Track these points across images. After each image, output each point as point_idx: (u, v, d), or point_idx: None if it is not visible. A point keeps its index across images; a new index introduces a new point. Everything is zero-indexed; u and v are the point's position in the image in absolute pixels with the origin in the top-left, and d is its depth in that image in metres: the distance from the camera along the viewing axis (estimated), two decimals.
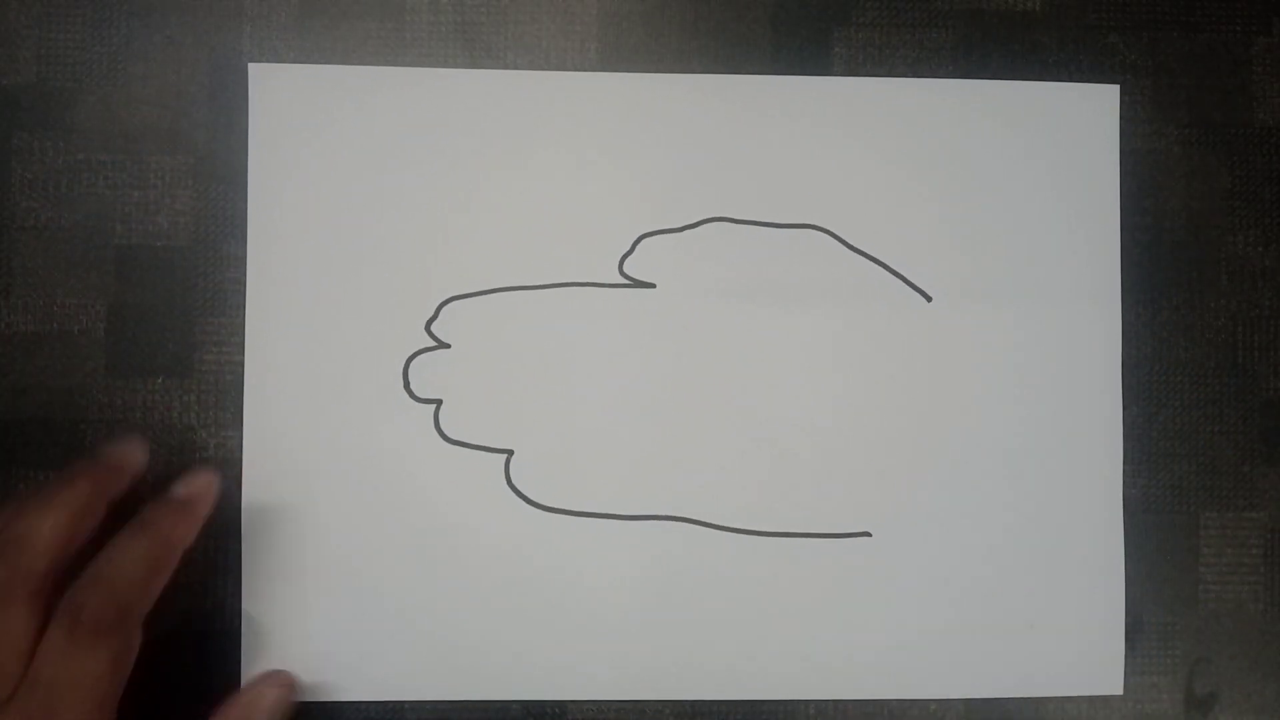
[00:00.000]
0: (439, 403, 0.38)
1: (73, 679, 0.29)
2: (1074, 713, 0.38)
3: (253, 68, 0.38)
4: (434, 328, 0.38)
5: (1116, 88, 0.39)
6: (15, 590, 0.30)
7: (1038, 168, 0.39)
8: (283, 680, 0.36)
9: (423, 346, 0.38)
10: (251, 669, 0.37)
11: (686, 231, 0.38)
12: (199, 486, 0.35)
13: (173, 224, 0.38)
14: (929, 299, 0.39)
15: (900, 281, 0.38)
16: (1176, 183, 0.39)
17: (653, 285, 0.38)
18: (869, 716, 0.38)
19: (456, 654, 0.37)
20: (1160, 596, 0.39)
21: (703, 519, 0.38)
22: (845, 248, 0.39)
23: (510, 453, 0.38)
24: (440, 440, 0.38)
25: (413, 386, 0.38)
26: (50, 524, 0.31)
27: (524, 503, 0.38)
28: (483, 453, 0.38)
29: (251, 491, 0.37)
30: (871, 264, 0.38)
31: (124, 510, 0.33)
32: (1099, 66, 0.39)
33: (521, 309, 0.38)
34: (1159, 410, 0.39)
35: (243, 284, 0.37)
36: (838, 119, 0.39)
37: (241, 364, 0.37)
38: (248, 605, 0.37)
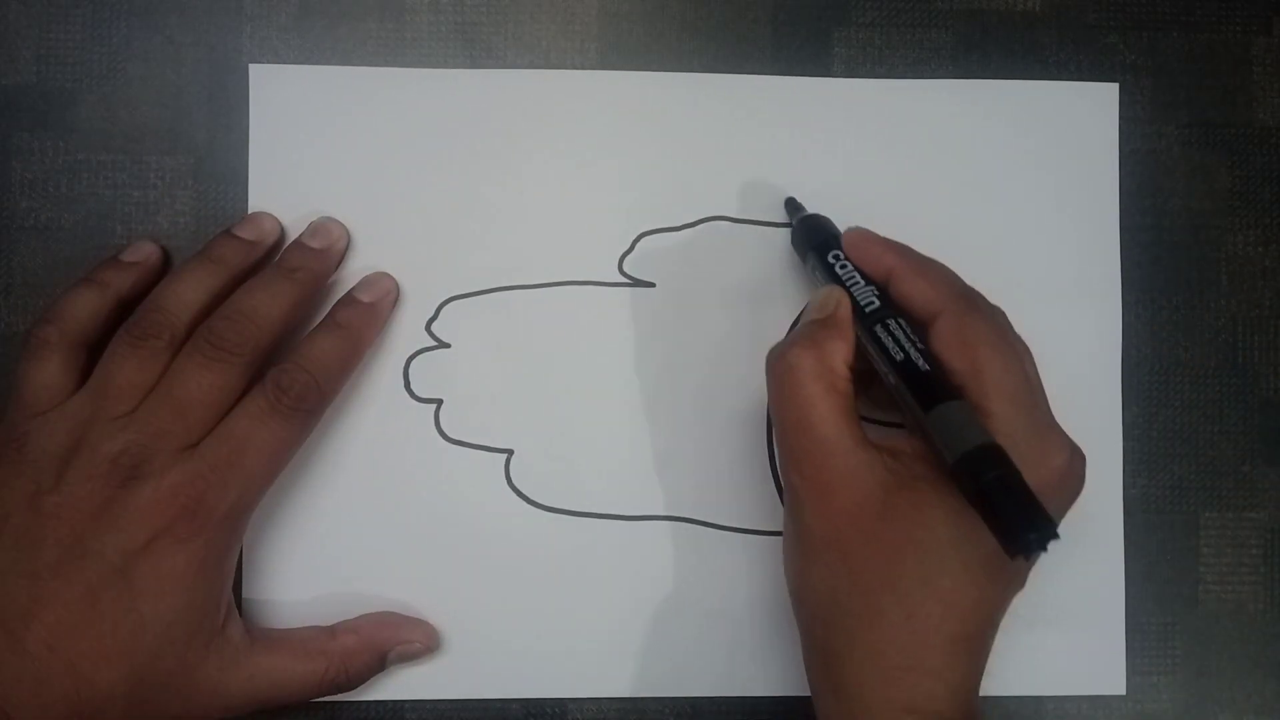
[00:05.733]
0: (439, 403, 0.38)
1: (262, 440, 0.33)
2: (1074, 712, 0.38)
3: (253, 68, 0.38)
4: (434, 328, 0.38)
5: (1116, 87, 0.39)
6: (237, 356, 0.33)
7: (1038, 168, 0.39)
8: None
9: (423, 346, 0.38)
10: None
11: (686, 231, 0.38)
12: (383, 289, 0.37)
13: (173, 224, 0.38)
14: None
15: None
16: (1176, 183, 0.39)
17: (652, 284, 0.38)
18: None
19: (456, 654, 0.37)
20: (1160, 596, 0.39)
21: (703, 519, 0.38)
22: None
23: (510, 453, 0.38)
24: (440, 440, 0.38)
25: (413, 386, 0.38)
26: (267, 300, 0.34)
27: (524, 503, 0.38)
28: (483, 453, 0.38)
29: None
30: None
31: None
32: (1099, 66, 0.39)
33: (521, 309, 0.38)
34: (1159, 410, 0.39)
35: None
36: (838, 119, 0.39)
37: None
38: (248, 604, 0.37)
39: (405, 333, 0.38)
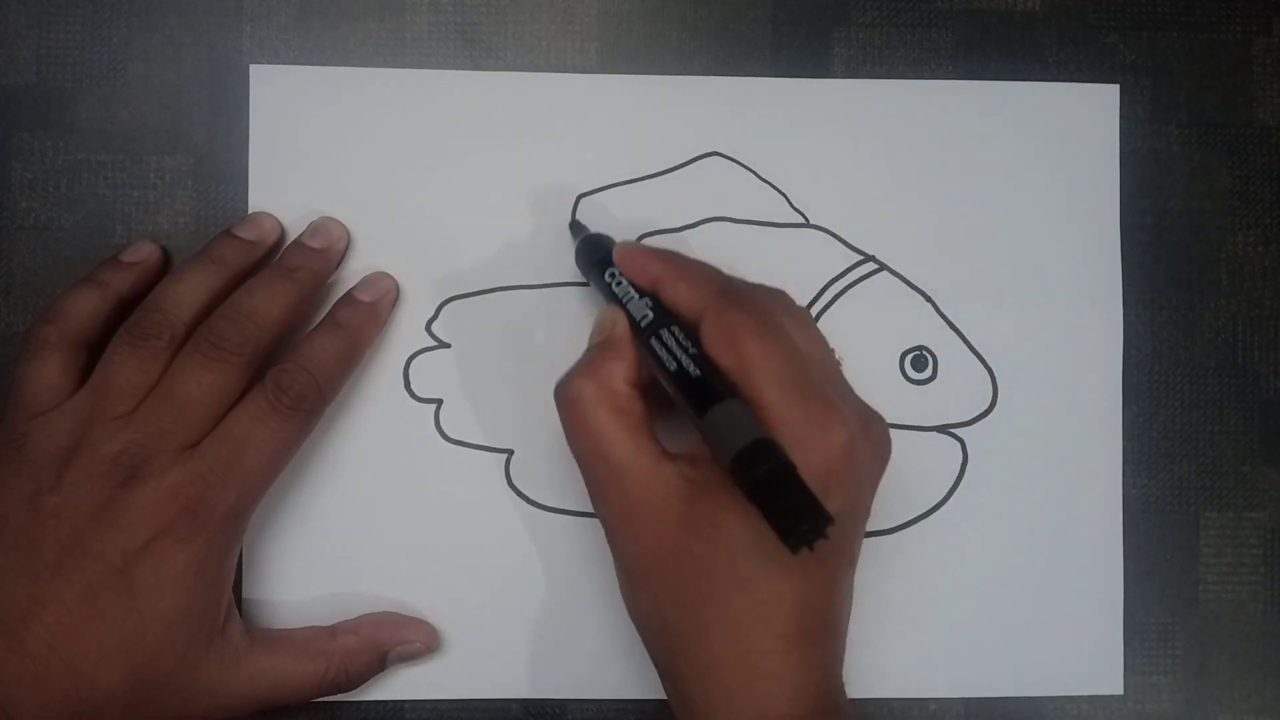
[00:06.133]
0: (439, 403, 0.38)
1: (262, 440, 0.33)
2: (1073, 712, 0.38)
3: (253, 69, 0.38)
4: (434, 328, 0.38)
5: (1116, 88, 0.39)
6: (237, 356, 0.33)
7: (1038, 168, 0.39)
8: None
9: (423, 346, 0.38)
10: None
11: (686, 231, 0.38)
12: (382, 289, 0.37)
13: (173, 224, 0.38)
14: (928, 299, 0.38)
15: (900, 281, 0.38)
16: (1176, 183, 0.39)
17: None
18: (869, 716, 0.38)
19: (456, 654, 0.37)
20: (1160, 596, 0.39)
21: None
22: (845, 247, 0.39)
23: (510, 453, 0.38)
24: (440, 440, 0.38)
25: (413, 386, 0.38)
26: (268, 301, 0.34)
27: (524, 503, 0.38)
28: (483, 453, 0.38)
29: None
30: (871, 264, 0.38)
31: None
32: (1099, 66, 0.39)
33: (521, 309, 0.38)
34: (1159, 410, 0.39)
35: None
36: (838, 120, 0.39)
37: None
38: (248, 604, 0.37)
39: (405, 333, 0.38)
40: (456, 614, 0.37)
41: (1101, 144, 0.39)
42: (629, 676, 0.38)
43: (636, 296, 0.33)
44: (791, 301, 0.34)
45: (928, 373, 0.38)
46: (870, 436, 0.31)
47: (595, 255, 0.35)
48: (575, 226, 0.37)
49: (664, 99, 0.38)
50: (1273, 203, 0.40)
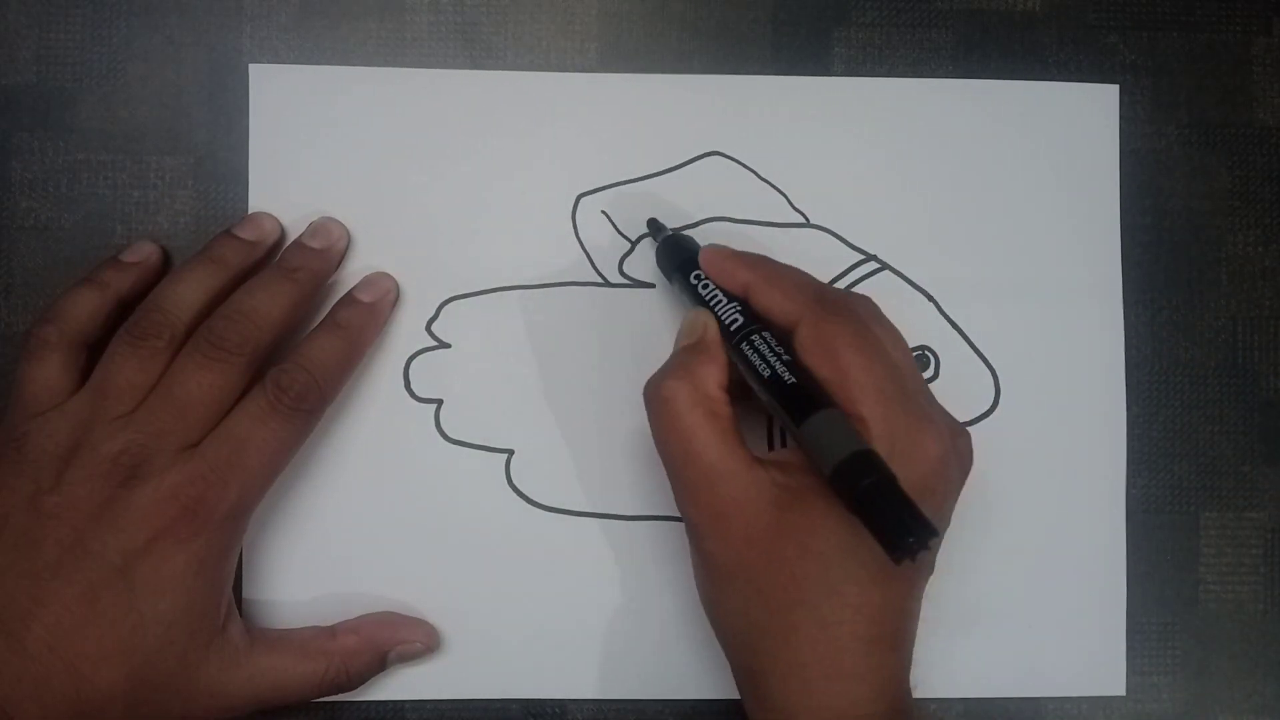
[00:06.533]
0: (439, 403, 0.38)
1: (262, 440, 0.33)
2: (1074, 713, 0.38)
3: (253, 68, 0.38)
4: (434, 328, 0.38)
5: (1116, 88, 0.39)
6: (237, 356, 0.33)
7: (1038, 168, 0.39)
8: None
9: (423, 346, 0.38)
10: None
11: (687, 231, 0.38)
12: (382, 289, 0.37)
13: (173, 224, 0.38)
14: (930, 298, 0.39)
15: (901, 281, 0.38)
16: (1176, 183, 0.39)
17: (652, 285, 0.38)
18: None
19: (456, 654, 0.37)
20: (1160, 596, 0.39)
21: None
22: (846, 247, 0.39)
23: (510, 453, 0.38)
24: (440, 440, 0.38)
25: (413, 386, 0.38)
26: (267, 301, 0.34)
27: (524, 503, 0.38)
28: (483, 453, 0.38)
29: None
30: (872, 263, 0.38)
31: None
32: (1099, 66, 0.39)
33: (521, 309, 0.38)
34: (1159, 410, 0.39)
35: None
36: (838, 119, 0.39)
37: None
38: (248, 604, 0.37)
39: (405, 333, 0.38)
40: (456, 614, 0.37)
41: (1101, 144, 0.39)
42: (629, 676, 0.38)
43: (725, 300, 0.33)
44: (880, 311, 0.34)
45: (930, 372, 0.38)
46: (959, 450, 0.32)
47: (679, 257, 0.36)
48: (654, 225, 0.37)
49: (664, 98, 0.38)
50: (1273, 203, 0.40)
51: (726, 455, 0.31)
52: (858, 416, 0.30)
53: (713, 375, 0.32)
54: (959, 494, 0.33)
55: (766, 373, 0.31)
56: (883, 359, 0.31)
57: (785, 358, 0.31)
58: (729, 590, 0.32)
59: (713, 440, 0.31)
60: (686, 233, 0.38)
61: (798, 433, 0.30)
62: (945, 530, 0.33)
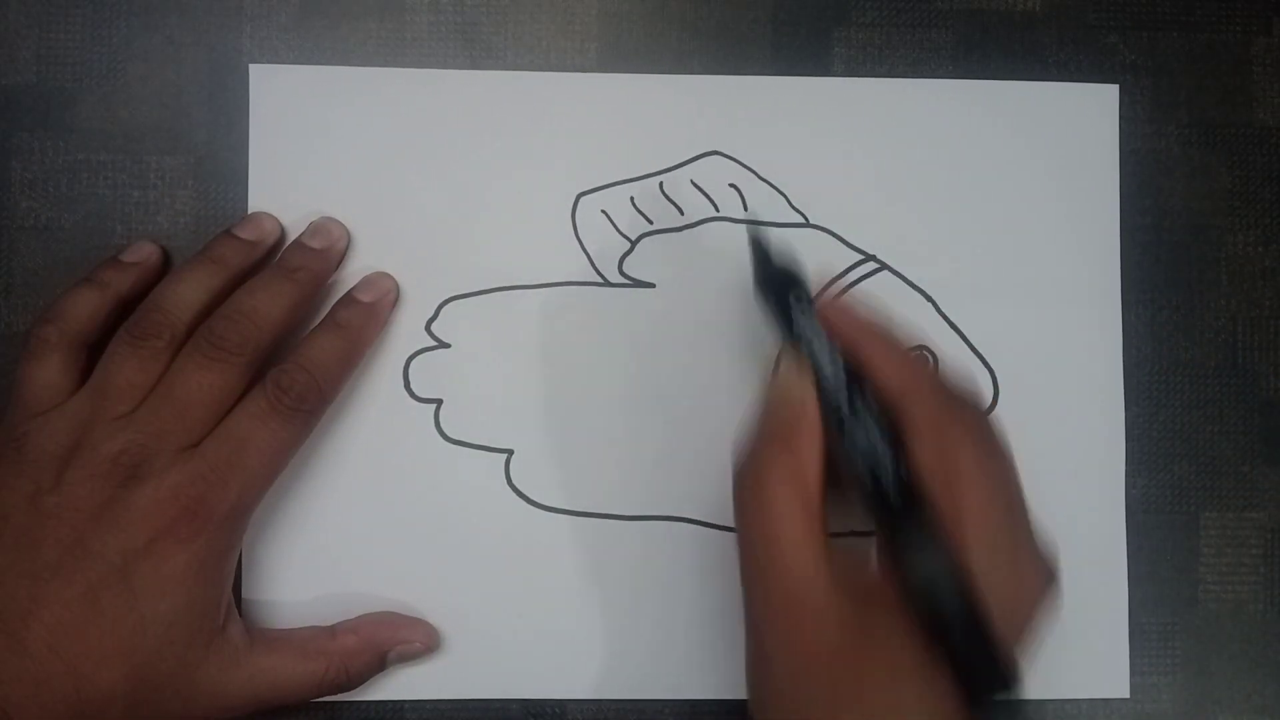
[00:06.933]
0: (439, 403, 0.38)
1: (262, 440, 0.33)
2: (1075, 715, 0.38)
3: (253, 68, 0.38)
4: (434, 327, 0.38)
5: (1116, 88, 0.39)
6: (237, 356, 0.33)
7: (1038, 168, 0.39)
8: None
9: (423, 346, 0.38)
10: None
11: (686, 231, 0.38)
12: (382, 289, 0.37)
13: (173, 224, 0.38)
14: (928, 298, 0.39)
15: (900, 281, 0.38)
16: (1176, 183, 0.39)
17: (652, 285, 0.38)
18: None
19: (456, 654, 0.37)
20: (1160, 597, 0.39)
21: (703, 519, 0.38)
22: (845, 247, 0.39)
23: (510, 453, 0.38)
24: (440, 440, 0.38)
25: (413, 386, 0.38)
26: (268, 301, 0.34)
27: (524, 503, 0.38)
28: (483, 452, 0.38)
29: None
30: (871, 264, 0.38)
31: None
32: (1099, 66, 0.39)
33: (521, 309, 0.38)
34: (1159, 410, 0.39)
35: None
36: (838, 119, 0.39)
37: None
38: (248, 604, 0.37)
39: (405, 333, 0.38)
40: (456, 614, 0.37)
41: (1101, 144, 0.39)
42: (629, 677, 0.38)
43: (828, 350, 0.31)
44: (986, 414, 0.32)
45: None
46: (1054, 590, 0.31)
47: (782, 289, 0.32)
48: (755, 245, 0.34)
49: (664, 98, 0.38)
50: (1273, 203, 0.40)
51: (811, 563, 0.29)
52: (964, 547, 0.29)
53: (814, 461, 0.30)
54: (1039, 634, 0.31)
55: (869, 462, 0.29)
56: (1000, 493, 0.30)
57: (888, 447, 0.29)
58: (785, 696, 0.30)
59: (797, 533, 0.30)
60: (686, 232, 0.38)
61: (893, 548, 0.29)
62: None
